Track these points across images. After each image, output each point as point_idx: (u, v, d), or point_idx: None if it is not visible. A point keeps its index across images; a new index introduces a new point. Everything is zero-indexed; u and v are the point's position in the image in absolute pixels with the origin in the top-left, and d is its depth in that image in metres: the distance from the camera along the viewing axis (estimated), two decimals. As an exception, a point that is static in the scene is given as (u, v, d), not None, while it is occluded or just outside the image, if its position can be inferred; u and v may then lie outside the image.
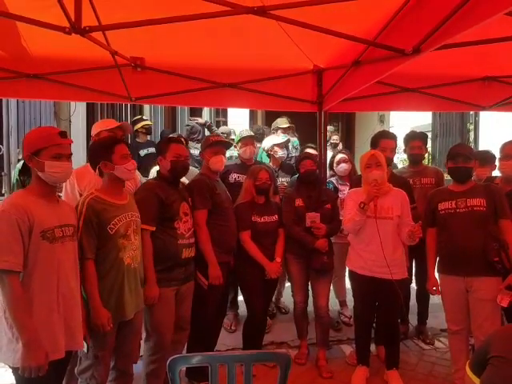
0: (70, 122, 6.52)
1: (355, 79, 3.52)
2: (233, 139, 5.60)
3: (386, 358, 3.59)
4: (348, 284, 3.86)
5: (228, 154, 4.94)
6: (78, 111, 6.56)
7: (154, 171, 3.83)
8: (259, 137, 5.40)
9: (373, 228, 3.27)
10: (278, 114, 6.40)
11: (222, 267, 3.36)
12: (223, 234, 3.43)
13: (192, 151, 5.50)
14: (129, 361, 2.86)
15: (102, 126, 3.53)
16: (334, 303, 4.56)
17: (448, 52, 2.74)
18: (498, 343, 1.59)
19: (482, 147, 8.73)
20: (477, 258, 3.09)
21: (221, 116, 10.60)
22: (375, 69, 3.12)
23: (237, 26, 2.98)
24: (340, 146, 7.08)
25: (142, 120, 6.10)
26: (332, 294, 4.15)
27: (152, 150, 5.56)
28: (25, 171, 2.30)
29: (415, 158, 4.30)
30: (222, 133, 5.76)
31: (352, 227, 3.41)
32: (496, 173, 3.79)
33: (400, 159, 8.59)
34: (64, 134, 2.28)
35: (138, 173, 3.42)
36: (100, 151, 2.70)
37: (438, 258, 3.41)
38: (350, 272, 3.58)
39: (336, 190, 4.49)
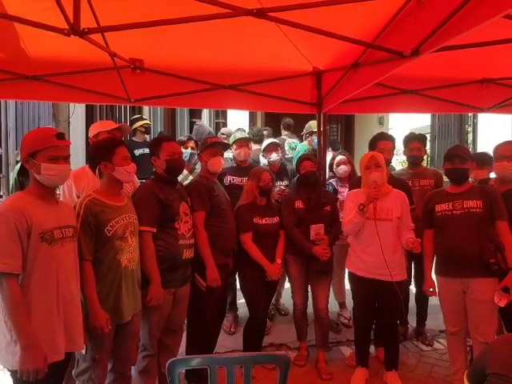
0: (68, 123, 6.52)
1: (354, 81, 3.52)
2: None
3: (385, 359, 3.59)
4: (347, 285, 3.86)
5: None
6: (77, 113, 6.57)
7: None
8: (259, 138, 5.38)
9: (372, 230, 3.27)
10: (278, 116, 6.41)
11: (221, 269, 3.36)
12: (221, 236, 3.43)
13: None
14: (127, 363, 2.86)
15: (100, 127, 3.53)
16: (333, 305, 4.56)
17: (446, 54, 2.74)
18: (498, 359, 1.57)
19: (480, 149, 8.75)
20: (473, 259, 3.09)
21: (220, 118, 10.60)
22: (374, 71, 3.13)
23: (236, 28, 2.98)
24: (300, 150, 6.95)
25: (142, 119, 6.07)
26: (331, 295, 4.15)
27: (148, 150, 5.55)
28: (23, 173, 2.30)
29: (414, 160, 4.30)
30: (223, 134, 5.75)
31: (351, 229, 3.41)
32: (493, 174, 3.79)
33: (399, 161, 8.59)
34: (61, 136, 2.26)
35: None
36: (101, 152, 2.70)
37: (435, 260, 3.42)
38: (350, 274, 3.58)
39: (335, 191, 4.48)
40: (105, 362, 2.66)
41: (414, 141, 4.29)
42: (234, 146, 4.34)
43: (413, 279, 4.27)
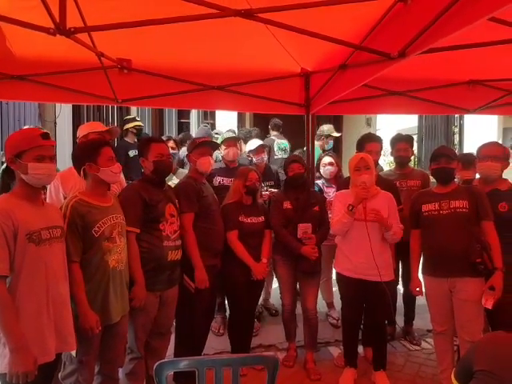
0: (55, 123, 6.46)
1: (342, 82, 3.54)
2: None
3: (373, 359, 3.61)
4: (335, 286, 3.87)
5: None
6: (63, 113, 6.50)
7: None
8: (248, 139, 5.38)
9: (361, 230, 3.28)
10: (266, 117, 6.41)
11: (209, 270, 3.35)
12: (210, 237, 3.42)
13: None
14: (114, 365, 2.83)
15: (90, 128, 3.51)
16: (321, 305, 4.57)
17: (433, 56, 2.77)
18: (484, 356, 1.59)
19: (466, 150, 8.83)
20: (460, 259, 3.12)
21: (209, 118, 10.58)
22: (362, 72, 3.15)
23: (224, 29, 2.98)
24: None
25: (135, 120, 6.09)
26: (319, 295, 4.16)
27: None
28: (9, 174, 2.28)
29: (401, 161, 4.33)
30: (217, 134, 5.74)
31: (340, 229, 3.42)
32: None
33: (386, 161, 8.64)
34: (46, 136, 2.26)
35: (122, 176, 3.40)
36: (86, 152, 2.67)
37: (422, 260, 3.44)
38: (338, 274, 3.58)
39: (321, 192, 4.51)
40: (92, 364, 2.64)
41: (401, 142, 4.31)
42: (223, 146, 4.33)
43: (400, 279, 4.29)
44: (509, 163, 3.45)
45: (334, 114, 7.94)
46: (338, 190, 4.09)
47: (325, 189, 4.60)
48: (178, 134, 9.29)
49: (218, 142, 4.35)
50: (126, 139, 5.90)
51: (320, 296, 4.15)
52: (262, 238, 3.71)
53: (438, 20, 2.13)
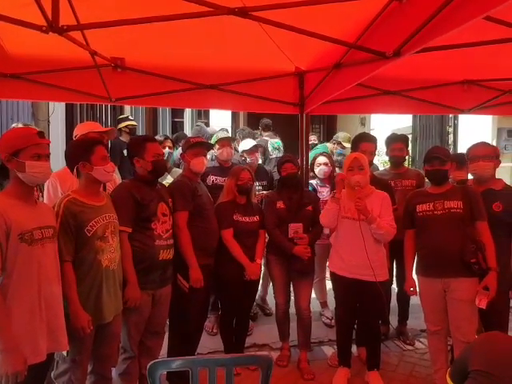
0: (48, 122, 6.41)
1: (336, 82, 3.53)
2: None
3: (367, 359, 3.61)
4: (329, 285, 3.86)
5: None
6: (57, 112, 6.46)
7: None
8: (248, 135, 5.37)
9: (354, 230, 3.29)
10: (260, 116, 6.40)
11: (204, 269, 3.33)
12: (205, 236, 3.41)
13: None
14: (107, 365, 2.83)
15: (89, 127, 3.50)
16: (315, 305, 4.57)
17: (428, 55, 2.77)
18: (479, 356, 1.59)
19: (460, 150, 8.85)
20: (454, 259, 3.12)
21: (203, 117, 10.57)
22: (356, 71, 3.14)
23: (218, 27, 2.98)
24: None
25: (128, 120, 6.07)
26: (314, 295, 4.16)
27: None
28: (2, 173, 2.26)
29: (396, 160, 4.34)
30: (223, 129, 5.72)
31: (327, 219, 3.45)
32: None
33: (381, 161, 8.66)
34: (42, 134, 2.27)
35: (116, 175, 3.38)
36: (79, 151, 2.66)
37: (416, 260, 3.44)
38: (332, 274, 3.58)
39: (315, 191, 4.51)
40: (85, 363, 2.63)
41: (396, 141, 4.32)
42: (217, 146, 4.32)
43: (394, 279, 4.30)
44: (500, 161, 3.46)
45: (328, 113, 7.99)
46: (331, 190, 4.09)
47: (319, 188, 4.61)
48: (172, 133, 9.28)
49: (212, 141, 4.34)
50: (121, 138, 5.87)
51: (314, 295, 4.15)
52: (256, 238, 3.71)
53: (433, 19, 2.13)
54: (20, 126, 3.83)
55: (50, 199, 3.14)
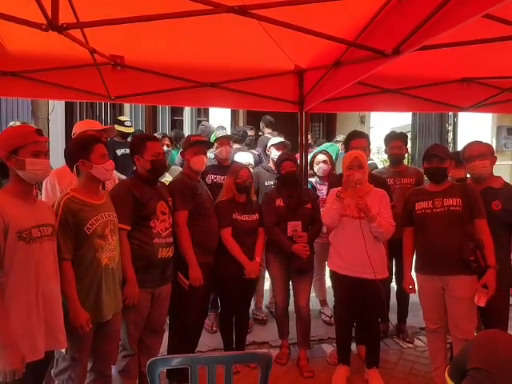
0: (48, 120, 6.43)
1: (336, 80, 3.53)
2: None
3: (366, 356, 3.61)
4: (328, 283, 3.87)
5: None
6: (56, 110, 6.48)
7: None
8: (240, 139, 5.38)
9: (354, 228, 3.29)
10: (260, 114, 6.39)
11: (203, 268, 3.34)
12: (204, 235, 3.42)
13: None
14: (107, 362, 2.83)
15: (88, 126, 3.50)
16: (314, 303, 4.57)
17: (427, 53, 2.77)
18: (478, 354, 1.59)
19: (460, 148, 8.83)
20: (453, 257, 3.12)
21: (202, 116, 10.54)
22: (356, 69, 3.14)
23: (218, 26, 2.97)
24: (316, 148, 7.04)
25: (123, 125, 5.82)
26: (312, 293, 4.16)
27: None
28: (1, 172, 2.26)
29: (395, 158, 4.33)
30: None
31: (330, 218, 3.43)
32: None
33: (380, 159, 8.67)
34: (40, 132, 2.28)
35: (116, 173, 3.38)
36: (78, 149, 2.65)
37: (415, 257, 3.44)
38: (331, 272, 3.59)
39: (314, 189, 4.52)
40: (85, 361, 2.63)
41: (395, 139, 4.32)
42: (216, 144, 4.32)
43: (394, 277, 4.30)
44: (496, 158, 3.46)
45: (328, 111, 8.00)
46: (329, 187, 4.09)
47: (318, 186, 4.61)
48: (172, 131, 9.27)
49: (212, 139, 4.35)
50: (114, 139, 5.80)
51: (313, 293, 4.15)
52: (256, 236, 3.71)
53: (433, 17, 2.13)
54: (17, 124, 3.83)
55: (49, 197, 3.14)
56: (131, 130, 5.87)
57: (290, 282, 3.84)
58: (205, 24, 2.92)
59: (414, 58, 2.93)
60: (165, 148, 4.90)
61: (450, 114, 9.88)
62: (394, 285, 4.38)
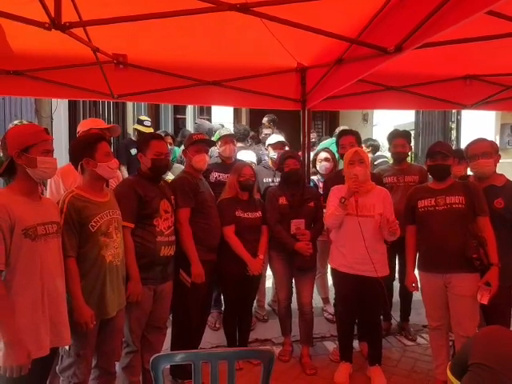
0: (51, 119, 6.44)
1: (338, 77, 3.53)
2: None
3: (368, 354, 3.63)
4: (330, 281, 3.87)
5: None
6: (59, 108, 6.49)
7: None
8: (242, 137, 5.38)
9: (354, 226, 3.30)
10: (263, 113, 6.39)
11: (206, 265, 3.35)
12: (206, 233, 3.43)
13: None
14: (111, 359, 2.84)
15: (92, 124, 3.52)
16: (317, 300, 4.57)
17: (430, 51, 2.77)
18: (479, 349, 1.60)
19: (463, 145, 8.81)
20: (456, 254, 3.12)
21: (205, 114, 10.55)
22: (358, 67, 3.14)
23: (220, 24, 2.98)
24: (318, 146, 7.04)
25: (143, 125, 5.81)
26: (315, 291, 4.17)
27: None
28: (7, 170, 2.27)
29: (399, 156, 4.33)
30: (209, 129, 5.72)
31: (333, 222, 3.44)
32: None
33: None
34: (47, 131, 2.33)
35: (119, 171, 3.39)
36: (83, 148, 2.67)
37: (417, 255, 3.44)
38: (333, 270, 3.59)
39: (316, 187, 4.52)
40: (89, 357, 2.65)
41: (399, 137, 4.32)
42: (219, 143, 4.33)
43: (397, 274, 4.30)
44: (500, 156, 3.43)
45: (331, 109, 7.98)
46: (327, 183, 4.10)
47: (320, 184, 4.61)
48: (174, 129, 9.28)
49: (215, 138, 4.35)
50: (132, 138, 5.79)
51: (316, 291, 4.15)
52: (259, 234, 3.71)
53: (435, 14, 2.12)
54: (16, 123, 3.84)
55: (53, 195, 3.16)
56: (150, 129, 5.80)
57: (293, 280, 3.85)
58: (207, 22, 2.92)
59: (417, 56, 2.93)
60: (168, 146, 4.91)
61: (454, 111, 9.84)
62: (397, 283, 4.38)
